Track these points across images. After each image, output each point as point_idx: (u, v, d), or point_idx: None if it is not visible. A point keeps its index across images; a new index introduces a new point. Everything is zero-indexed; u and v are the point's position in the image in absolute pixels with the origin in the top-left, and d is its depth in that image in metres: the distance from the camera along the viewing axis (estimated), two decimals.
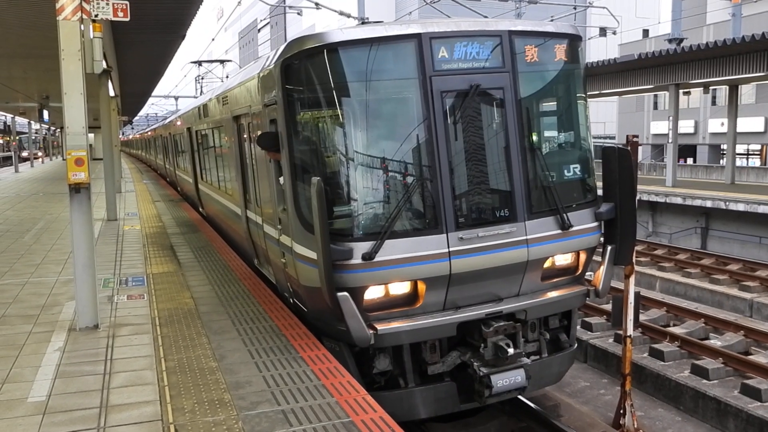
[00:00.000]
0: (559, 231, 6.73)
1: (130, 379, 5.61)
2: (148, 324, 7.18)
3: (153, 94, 43.10)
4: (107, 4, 7.01)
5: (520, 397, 7.54)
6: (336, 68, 6.17)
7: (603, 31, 28.17)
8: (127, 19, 7.18)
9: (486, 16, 13.32)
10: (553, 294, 6.97)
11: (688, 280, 14.66)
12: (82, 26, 6.78)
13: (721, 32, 34.23)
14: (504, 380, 6.31)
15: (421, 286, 6.30)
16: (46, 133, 66.21)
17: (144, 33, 16.11)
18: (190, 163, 16.50)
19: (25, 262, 10.76)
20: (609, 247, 7.13)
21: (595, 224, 7.05)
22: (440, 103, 6.22)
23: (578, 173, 7.09)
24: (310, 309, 6.76)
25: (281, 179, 6.85)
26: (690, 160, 43.99)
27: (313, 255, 6.11)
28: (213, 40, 34.10)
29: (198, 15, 14.85)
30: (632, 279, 8.05)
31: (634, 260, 7.80)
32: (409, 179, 6.26)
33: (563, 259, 7.11)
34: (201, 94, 28.39)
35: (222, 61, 32.31)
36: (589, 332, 11.25)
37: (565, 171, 7.03)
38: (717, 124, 40.37)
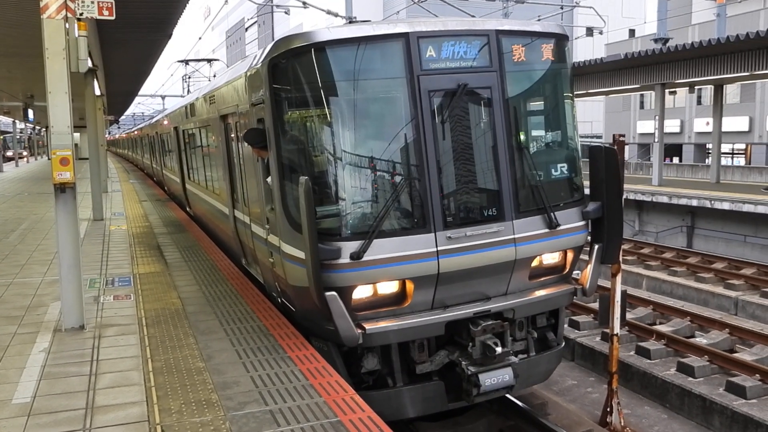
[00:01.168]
0: (547, 230, 6.75)
1: (117, 380, 5.57)
2: (135, 324, 7.13)
3: (140, 93, 42.79)
4: (92, 2, 6.96)
5: (507, 395, 7.56)
6: (323, 67, 6.16)
7: (590, 31, 28.28)
8: (113, 18, 7.11)
9: (473, 16, 13.34)
10: (540, 293, 7.00)
11: (674, 279, 14.75)
12: (67, 25, 6.72)
13: (706, 32, 34.48)
14: (492, 379, 6.34)
15: (410, 286, 6.30)
16: (31, 133, 65.64)
17: (130, 32, 15.99)
18: (177, 162, 16.40)
19: (10, 262, 10.66)
20: (596, 246, 7.16)
21: (582, 223, 7.08)
22: (428, 102, 6.22)
23: (565, 172, 7.12)
24: (298, 309, 6.74)
25: (269, 179, 6.83)
26: (676, 159, 44.28)
27: (301, 254, 6.09)
28: (200, 39, 33.88)
29: (185, 14, 14.78)
30: (619, 277, 8.10)
31: (620, 259, 7.84)
32: (397, 178, 6.26)
33: (551, 258, 7.14)
34: (188, 93, 28.25)
35: (209, 60, 32.22)
36: (576, 330, 11.31)
37: (553, 170, 7.05)
38: (702, 124, 40.69)
